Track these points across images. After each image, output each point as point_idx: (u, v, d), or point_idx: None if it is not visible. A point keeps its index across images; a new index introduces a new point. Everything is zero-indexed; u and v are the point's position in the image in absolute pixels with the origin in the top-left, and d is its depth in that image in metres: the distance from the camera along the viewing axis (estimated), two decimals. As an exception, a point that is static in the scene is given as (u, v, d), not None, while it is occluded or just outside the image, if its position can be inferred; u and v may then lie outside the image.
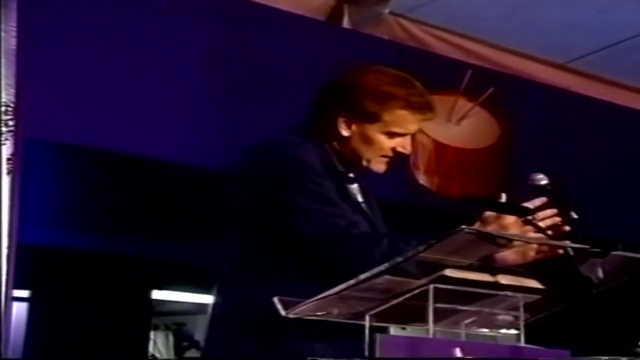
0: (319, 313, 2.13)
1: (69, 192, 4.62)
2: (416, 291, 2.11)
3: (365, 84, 2.52)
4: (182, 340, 5.75)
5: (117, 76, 3.71)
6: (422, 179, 4.44)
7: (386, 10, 4.55)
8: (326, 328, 2.19)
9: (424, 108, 2.53)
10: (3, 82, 2.31)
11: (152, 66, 3.81)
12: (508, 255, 2.39)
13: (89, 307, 5.06)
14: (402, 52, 4.45)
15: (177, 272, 5.41)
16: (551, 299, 2.30)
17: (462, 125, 4.55)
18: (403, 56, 4.33)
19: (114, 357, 4.96)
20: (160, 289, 5.59)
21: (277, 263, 2.40)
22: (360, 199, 2.57)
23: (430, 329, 2.10)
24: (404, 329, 2.31)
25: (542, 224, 2.29)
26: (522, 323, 2.23)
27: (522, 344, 2.22)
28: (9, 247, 2.27)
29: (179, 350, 5.72)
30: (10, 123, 2.29)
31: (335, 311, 2.15)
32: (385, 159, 2.54)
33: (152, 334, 5.71)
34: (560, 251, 2.28)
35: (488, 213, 2.31)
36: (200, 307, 5.61)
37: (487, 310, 2.23)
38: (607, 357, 2.25)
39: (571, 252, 2.19)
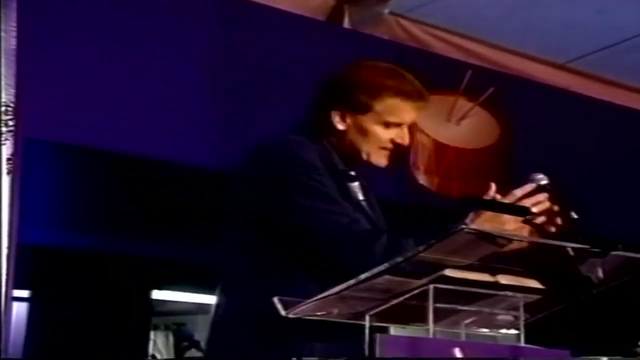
0: (319, 313, 2.13)
1: (69, 192, 4.62)
2: (416, 291, 2.11)
3: (356, 78, 2.55)
4: (182, 340, 5.73)
5: (117, 76, 3.71)
6: (422, 179, 4.43)
7: (386, 10, 4.55)
8: (326, 328, 2.19)
9: (415, 95, 2.55)
10: (3, 82, 2.31)
11: (152, 66, 3.80)
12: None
13: (89, 307, 5.06)
14: (402, 52, 4.44)
15: (177, 272, 5.41)
16: (551, 299, 2.29)
17: (462, 125, 4.54)
18: (403, 56, 4.32)
19: (114, 357, 4.95)
20: (160, 289, 5.58)
21: (278, 263, 2.40)
22: (361, 197, 2.58)
23: (430, 329, 2.10)
24: (404, 329, 2.32)
25: (535, 210, 2.30)
26: (522, 323, 2.23)
27: (522, 344, 2.22)
28: (9, 247, 2.26)
29: (179, 350, 5.70)
30: (10, 123, 2.29)
31: (335, 311, 2.15)
32: (385, 152, 2.55)
33: (152, 334, 5.70)
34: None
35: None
36: (200, 307, 5.59)
37: (487, 310, 2.23)
38: (607, 357, 2.25)
39: (571, 252, 2.19)
